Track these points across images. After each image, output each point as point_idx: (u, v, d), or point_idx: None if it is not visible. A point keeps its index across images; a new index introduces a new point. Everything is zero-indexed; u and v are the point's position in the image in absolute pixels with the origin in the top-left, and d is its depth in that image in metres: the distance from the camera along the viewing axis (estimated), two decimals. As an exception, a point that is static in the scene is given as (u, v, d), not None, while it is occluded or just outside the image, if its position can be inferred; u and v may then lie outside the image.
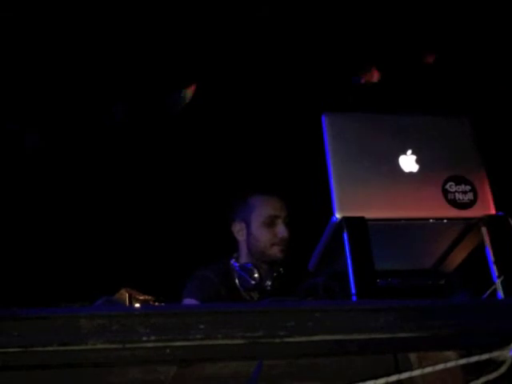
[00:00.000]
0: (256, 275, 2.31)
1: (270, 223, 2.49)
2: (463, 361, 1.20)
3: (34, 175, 4.09)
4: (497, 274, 1.62)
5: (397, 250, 1.80)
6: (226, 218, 2.63)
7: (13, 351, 1.08)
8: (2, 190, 3.83)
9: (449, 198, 1.69)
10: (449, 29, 3.90)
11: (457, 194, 1.70)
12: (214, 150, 4.22)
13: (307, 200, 3.35)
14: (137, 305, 1.63)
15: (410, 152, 1.73)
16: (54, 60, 3.81)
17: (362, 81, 4.08)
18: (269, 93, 4.07)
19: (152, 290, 1.71)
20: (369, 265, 1.57)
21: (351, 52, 3.99)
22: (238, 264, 2.46)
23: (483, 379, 1.20)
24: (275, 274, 2.43)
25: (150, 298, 1.66)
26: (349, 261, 1.58)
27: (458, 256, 1.82)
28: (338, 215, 1.64)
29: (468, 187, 1.71)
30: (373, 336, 1.18)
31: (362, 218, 1.63)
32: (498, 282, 1.60)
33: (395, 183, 1.70)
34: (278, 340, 1.15)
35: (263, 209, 2.53)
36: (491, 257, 1.64)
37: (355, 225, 1.62)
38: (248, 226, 2.54)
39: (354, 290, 1.54)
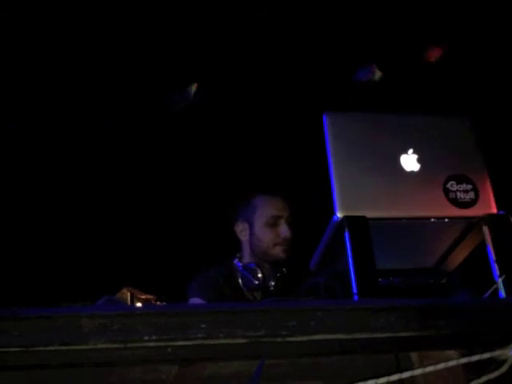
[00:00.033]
0: (259, 275, 2.31)
1: (273, 223, 2.49)
2: (465, 360, 1.20)
3: (36, 175, 4.09)
4: (498, 273, 1.62)
5: (398, 249, 1.79)
6: (229, 218, 2.64)
7: (13, 351, 1.08)
8: (3, 190, 3.83)
9: (450, 197, 1.69)
10: (450, 28, 3.90)
11: (458, 193, 1.70)
12: (215, 151, 4.22)
13: (308, 199, 3.35)
14: (138, 304, 1.63)
15: (411, 151, 1.73)
16: (53, 60, 3.80)
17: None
18: (269, 93, 4.07)
19: (153, 289, 1.71)
20: (370, 264, 1.57)
21: (352, 51, 3.99)
22: (241, 264, 2.46)
23: (485, 378, 1.20)
24: (278, 275, 2.43)
25: (151, 297, 1.66)
26: (350, 260, 1.57)
27: (460, 255, 1.82)
28: (339, 214, 1.64)
29: (469, 186, 1.71)
30: (374, 335, 1.18)
31: (363, 218, 1.62)
32: (500, 281, 1.60)
33: (396, 182, 1.70)
34: (279, 339, 1.14)
35: (266, 209, 2.53)
36: (492, 256, 1.64)
37: (356, 224, 1.62)
38: (251, 226, 2.55)
39: (355, 290, 1.54)
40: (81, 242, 4.06)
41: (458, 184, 1.71)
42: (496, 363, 1.20)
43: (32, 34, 3.64)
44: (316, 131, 1.81)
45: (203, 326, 1.12)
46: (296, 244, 2.49)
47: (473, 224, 1.72)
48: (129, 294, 1.63)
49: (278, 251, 2.47)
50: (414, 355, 1.27)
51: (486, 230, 1.68)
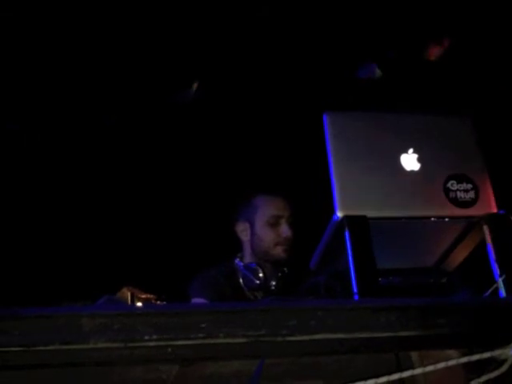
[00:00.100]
0: (261, 275, 2.31)
1: (274, 223, 2.50)
2: (465, 359, 1.20)
3: (36, 175, 4.09)
4: (498, 272, 1.62)
5: (398, 249, 1.79)
6: (230, 217, 2.64)
7: (14, 350, 1.08)
8: (3, 190, 3.83)
9: (450, 196, 1.69)
10: (450, 27, 3.90)
11: (458, 192, 1.70)
12: (216, 151, 4.22)
13: (308, 199, 3.35)
14: (139, 304, 1.63)
15: (411, 151, 1.73)
16: (53, 60, 3.81)
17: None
18: (270, 92, 4.07)
19: (154, 288, 1.71)
20: (370, 263, 1.57)
21: (352, 50, 3.99)
22: (242, 264, 2.46)
23: (485, 377, 1.20)
24: (279, 274, 2.43)
25: (151, 296, 1.66)
26: (350, 259, 1.57)
27: (460, 254, 1.82)
28: (339, 214, 1.64)
29: (469, 186, 1.71)
30: (374, 335, 1.18)
31: (363, 217, 1.62)
32: (500, 280, 1.60)
33: (397, 182, 1.70)
34: (279, 339, 1.14)
35: (267, 209, 2.53)
36: (493, 255, 1.64)
37: (357, 223, 1.62)
38: (252, 226, 2.55)
39: (355, 289, 1.54)
40: (81, 242, 4.06)
41: (458, 183, 1.71)
42: (496, 363, 1.20)
43: (32, 33, 3.64)
44: (316, 131, 1.81)
45: (203, 325, 1.12)
46: (296, 243, 2.49)
47: (473, 223, 1.72)
48: (129, 294, 1.63)
49: (279, 251, 2.47)
50: (414, 354, 1.27)
51: (486, 229, 1.68)
